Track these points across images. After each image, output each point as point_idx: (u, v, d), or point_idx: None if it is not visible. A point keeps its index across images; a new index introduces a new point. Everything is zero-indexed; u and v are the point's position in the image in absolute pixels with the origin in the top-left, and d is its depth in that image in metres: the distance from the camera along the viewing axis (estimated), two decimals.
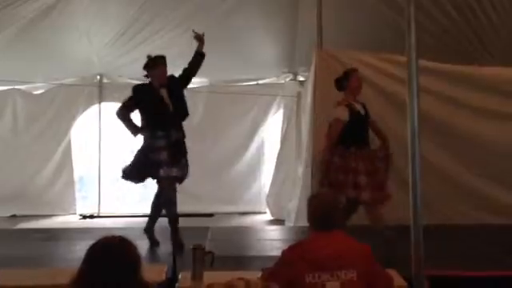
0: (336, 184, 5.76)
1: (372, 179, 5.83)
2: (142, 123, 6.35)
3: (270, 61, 9.97)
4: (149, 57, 6.35)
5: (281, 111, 10.46)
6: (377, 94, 7.88)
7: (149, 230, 6.42)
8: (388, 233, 5.62)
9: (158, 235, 6.42)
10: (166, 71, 6.34)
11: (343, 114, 5.94)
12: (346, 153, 5.86)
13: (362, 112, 6.10)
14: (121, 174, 6.43)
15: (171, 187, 6.22)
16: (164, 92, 6.29)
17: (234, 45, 9.33)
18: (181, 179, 6.33)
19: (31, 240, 7.05)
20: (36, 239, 7.10)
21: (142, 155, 6.26)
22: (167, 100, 6.26)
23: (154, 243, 6.29)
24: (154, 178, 6.33)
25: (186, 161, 6.38)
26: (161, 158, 6.12)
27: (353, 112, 5.96)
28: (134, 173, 6.32)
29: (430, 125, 6.90)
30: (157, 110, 6.25)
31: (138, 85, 6.55)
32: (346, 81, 6.12)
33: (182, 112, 6.38)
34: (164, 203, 6.31)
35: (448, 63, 7.89)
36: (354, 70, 6.25)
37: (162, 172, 6.12)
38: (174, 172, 6.17)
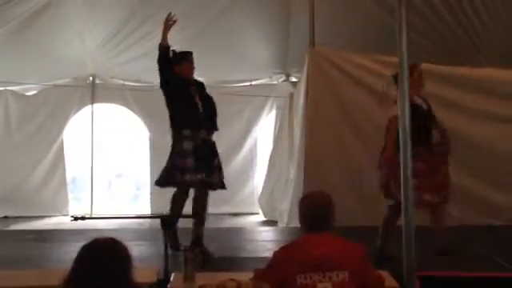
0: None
1: (433, 180, 5.67)
2: (171, 120, 6.15)
3: (262, 62, 9.99)
4: (174, 51, 6.12)
5: (273, 112, 10.48)
6: (369, 95, 7.91)
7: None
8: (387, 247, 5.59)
9: (149, 236, 6.40)
10: (193, 67, 6.15)
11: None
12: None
13: (425, 107, 5.87)
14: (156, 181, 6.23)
15: (202, 192, 6.03)
16: (193, 89, 6.11)
17: (227, 46, 9.34)
18: (212, 184, 6.08)
19: (23, 241, 7.04)
20: (28, 240, 7.08)
21: (170, 159, 6.07)
22: (196, 99, 6.07)
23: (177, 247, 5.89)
24: (180, 184, 6.07)
25: (218, 163, 6.14)
26: (187, 162, 5.92)
27: (414, 108, 5.51)
28: (165, 179, 6.09)
29: None
30: (187, 104, 6.03)
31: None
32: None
33: (213, 113, 6.18)
34: (196, 208, 6.05)
35: (440, 64, 7.90)
36: (416, 65, 5.88)
37: (188, 177, 5.91)
38: (202, 176, 5.92)
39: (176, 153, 6.02)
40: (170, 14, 6.17)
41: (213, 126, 6.15)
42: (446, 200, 5.79)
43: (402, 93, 4.49)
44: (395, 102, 5.61)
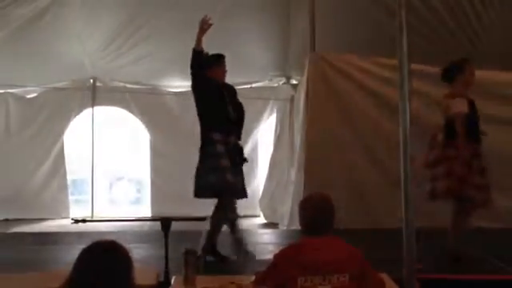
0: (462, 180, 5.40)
1: (486, 179, 5.59)
2: (201, 124, 6.01)
3: (263, 64, 9.99)
4: (205, 54, 5.99)
5: (274, 114, 10.48)
6: (369, 97, 7.92)
7: (210, 248, 5.92)
8: None
9: (149, 239, 6.39)
10: (225, 71, 6.09)
11: (463, 107, 5.49)
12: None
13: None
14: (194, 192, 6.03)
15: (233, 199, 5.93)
16: (225, 94, 6.01)
17: (227, 48, 9.23)
18: (238, 190, 5.96)
19: (24, 244, 7.04)
20: (29, 243, 7.08)
21: (202, 163, 5.90)
22: (228, 104, 5.96)
23: (222, 258, 5.90)
24: (222, 192, 5.86)
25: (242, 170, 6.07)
26: (222, 162, 5.79)
27: (471, 104, 5.55)
28: (203, 189, 5.93)
29: (422, 128, 6.90)
30: (219, 108, 5.92)
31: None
32: (458, 72, 5.66)
33: (242, 120, 6.12)
34: (231, 216, 5.92)
35: (439, 66, 7.89)
36: (468, 61, 5.78)
37: (229, 177, 5.75)
38: (237, 182, 5.86)
39: (209, 155, 5.87)
40: (206, 16, 6.04)
41: (240, 133, 6.11)
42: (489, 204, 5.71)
43: (402, 94, 4.48)
44: (452, 96, 5.62)
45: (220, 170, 5.74)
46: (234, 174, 5.81)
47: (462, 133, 5.41)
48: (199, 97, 6.02)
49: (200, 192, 5.96)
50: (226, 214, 5.89)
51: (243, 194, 6.06)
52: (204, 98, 5.99)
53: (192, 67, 5.93)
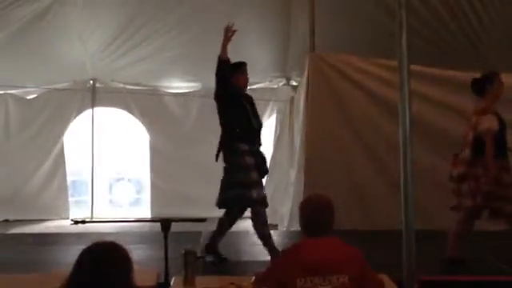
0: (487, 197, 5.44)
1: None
2: (226, 134, 5.95)
3: (262, 65, 9.97)
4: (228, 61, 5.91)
5: (274, 116, 10.47)
6: (369, 99, 7.92)
7: (213, 247, 5.99)
8: None
9: (149, 240, 6.38)
10: (248, 79, 6.04)
11: (494, 124, 5.48)
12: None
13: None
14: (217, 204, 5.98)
15: (263, 209, 5.89)
16: (246, 102, 5.97)
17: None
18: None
19: (23, 245, 7.04)
20: (28, 244, 7.08)
21: (230, 175, 5.85)
22: (250, 112, 5.93)
23: (222, 259, 5.96)
24: (249, 202, 5.85)
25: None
26: (252, 176, 5.76)
27: (500, 120, 5.54)
28: (231, 202, 5.89)
29: (422, 129, 6.90)
30: (243, 118, 5.88)
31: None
32: (489, 84, 5.64)
33: (261, 127, 6.09)
34: (261, 225, 5.89)
35: (440, 67, 7.91)
36: (497, 74, 5.74)
37: (255, 194, 5.74)
38: (264, 192, 5.87)
39: (239, 168, 5.80)
40: (229, 23, 6.01)
41: (261, 140, 6.09)
42: None
43: (402, 95, 4.48)
44: (483, 112, 5.59)
45: (249, 185, 5.72)
46: (262, 186, 5.85)
47: (491, 151, 5.39)
48: (224, 106, 5.95)
49: (225, 204, 5.93)
50: (233, 222, 5.99)
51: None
52: (229, 108, 5.91)
53: (218, 75, 5.85)
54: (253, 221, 5.90)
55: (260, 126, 6.08)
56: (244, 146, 5.81)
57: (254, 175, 5.78)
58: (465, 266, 5.55)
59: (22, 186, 9.98)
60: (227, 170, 5.91)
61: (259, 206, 5.83)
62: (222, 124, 5.99)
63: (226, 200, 5.87)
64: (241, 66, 6.01)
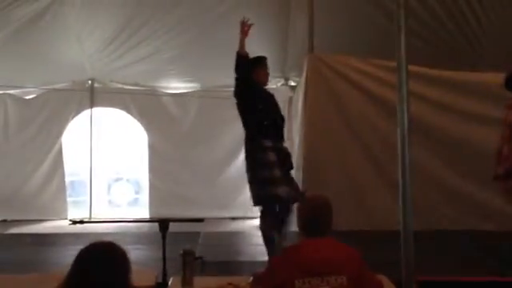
0: None
1: None
2: (249, 131, 5.80)
3: None
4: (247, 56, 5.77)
5: None
6: (367, 99, 7.92)
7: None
8: None
9: (147, 240, 6.38)
10: (268, 73, 5.88)
11: None
12: None
13: None
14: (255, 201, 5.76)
15: (286, 206, 5.72)
16: (267, 97, 5.85)
17: (225, 50, 9.28)
18: (295, 197, 5.62)
19: (22, 245, 7.03)
20: (27, 244, 7.08)
21: (255, 173, 5.69)
22: (272, 107, 5.82)
23: None
24: (272, 198, 5.65)
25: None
26: (275, 173, 5.60)
27: None
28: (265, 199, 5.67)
29: (421, 130, 6.90)
30: (266, 113, 5.75)
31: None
32: None
33: (284, 122, 5.96)
34: (284, 224, 5.76)
35: (438, 68, 7.91)
36: None
37: (281, 191, 5.57)
38: (290, 192, 5.64)
39: (262, 164, 5.64)
40: (244, 18, 5.85)
41: (284, 136, 5.96)
42: None
43: (400, 96, 4.49)
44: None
45: (273, 182, 5.57)
46: (286, 183, 5.64)
47: None
48: (245, 102, 5.81)
49: (260, 202, 5.74)
50: (272, 221, 5.70)
51: (297, 198, 5.66)
52: (251, 104, 5.77)
53: (237, 71, 5.72)
54: (260, 220, 5.79)
55: (283, 121, 5.96)
56: (268, 143, 5.66)
57: (277, 172, 5.60)
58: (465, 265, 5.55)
59: (20, 186, 9.97)
60: (250, 166, 5.77)
61: (286, 202, 5.65)
62: (244, 120, 5.85)
63: (259, 198, 5.69)
64: (261, 61, 5.86)
